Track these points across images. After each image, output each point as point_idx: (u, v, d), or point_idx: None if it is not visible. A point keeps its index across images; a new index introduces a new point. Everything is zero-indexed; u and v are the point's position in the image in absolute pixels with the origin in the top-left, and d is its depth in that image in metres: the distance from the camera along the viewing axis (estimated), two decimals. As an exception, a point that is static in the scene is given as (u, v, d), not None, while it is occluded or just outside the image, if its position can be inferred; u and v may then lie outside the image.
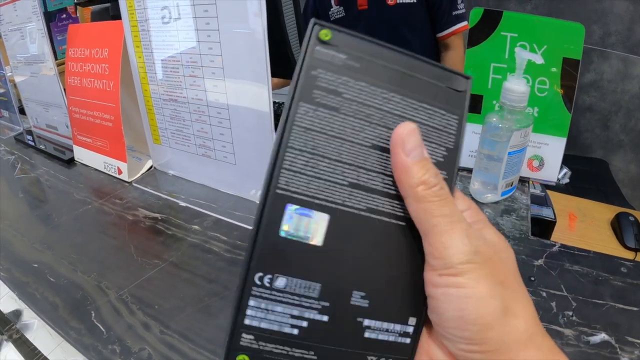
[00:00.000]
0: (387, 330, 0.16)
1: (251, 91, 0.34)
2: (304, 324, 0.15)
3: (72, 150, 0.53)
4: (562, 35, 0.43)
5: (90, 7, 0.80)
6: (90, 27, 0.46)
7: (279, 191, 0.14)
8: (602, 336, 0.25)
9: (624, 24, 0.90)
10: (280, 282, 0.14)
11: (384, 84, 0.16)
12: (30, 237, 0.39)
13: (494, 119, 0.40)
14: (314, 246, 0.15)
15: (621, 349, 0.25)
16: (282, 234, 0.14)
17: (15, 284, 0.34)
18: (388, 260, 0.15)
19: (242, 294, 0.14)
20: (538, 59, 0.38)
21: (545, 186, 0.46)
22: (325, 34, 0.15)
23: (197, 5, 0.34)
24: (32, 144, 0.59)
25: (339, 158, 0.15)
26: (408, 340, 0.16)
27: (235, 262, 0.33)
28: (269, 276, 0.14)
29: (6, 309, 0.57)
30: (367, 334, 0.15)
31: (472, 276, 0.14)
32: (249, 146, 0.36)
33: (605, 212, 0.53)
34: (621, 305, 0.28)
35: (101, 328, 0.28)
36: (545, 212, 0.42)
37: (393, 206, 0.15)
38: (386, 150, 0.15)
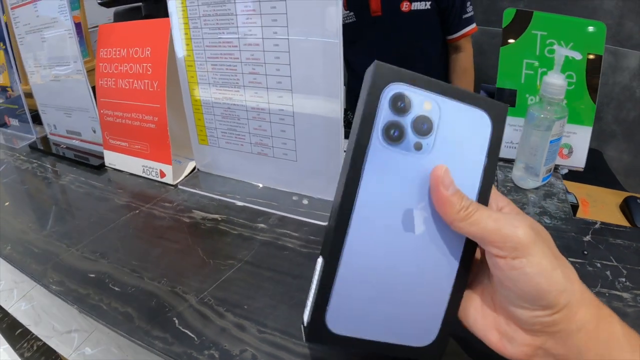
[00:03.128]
0: None
1: (321, 99, 0.33)
2: None
3: (97, 156, 0.51)
4: (586, 33, 0.46)
5: (87, 21, 0.77)
6: (127, 26, 0.45)
7: None
8: None
9: (614, 18, 0.97)
10: None
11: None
12: (77, 246, 0.37)
13: (536, 111, 0.42)
14: None
15: (672, 307, 0.27)
16: None
17: (74, 297, 0.31)
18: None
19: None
20: (577, 55, 0.41)
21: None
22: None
23: (264, 15, 0.33)
24: (52, 151, 0.55)
25: None
26: None
27: (313, 257, 0.32)
28: None
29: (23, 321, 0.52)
30: None
31: (537, 254, 0.17)
32: (313, 143, 0.36)
33: (613, 197, 0.57)
34: (663, 270, 0.30)
35: (190, 334, 0.26)
36: (570, 197, 0.44)
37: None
38: None
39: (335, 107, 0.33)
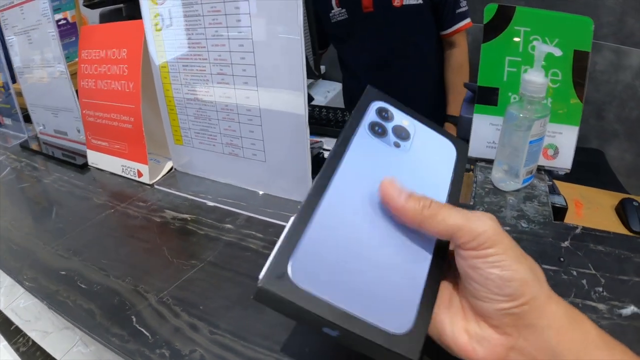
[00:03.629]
0: None
1: (285, 94, 0.34)
2: None
3: (83, 156, 0.52)
4: (572, 29, 0.44)
5: (86, 18, 0.79)
6: (105, 28, 0.46)
7: None
8: (632, 309, 0.27)
9: (616, 15, 0.93)
10: None
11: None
12: (52, 244, 0.38)
13: (515, 110, 0.41)
14: None
15: (652, 320, 0.26)
16: None
17: (45, 294, 0.32)
18: None
19: None
20: (557, 52, 0.40)
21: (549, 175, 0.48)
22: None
23: (228, 15, 0.33)
24: (41, 150, 0.57)
25: None
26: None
27: (274, 258, 0.32)
28: None
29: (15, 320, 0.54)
30: None
31: (503, 245, 0.17)
32: (281, 143, 0.36)
33: (609, 198, 0.55)
34: (646, 281, 0.29)
35: (145, 333, 0.27)
36: (557, 200, 0.43)
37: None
38: None
39: (299, 103, 0.33)
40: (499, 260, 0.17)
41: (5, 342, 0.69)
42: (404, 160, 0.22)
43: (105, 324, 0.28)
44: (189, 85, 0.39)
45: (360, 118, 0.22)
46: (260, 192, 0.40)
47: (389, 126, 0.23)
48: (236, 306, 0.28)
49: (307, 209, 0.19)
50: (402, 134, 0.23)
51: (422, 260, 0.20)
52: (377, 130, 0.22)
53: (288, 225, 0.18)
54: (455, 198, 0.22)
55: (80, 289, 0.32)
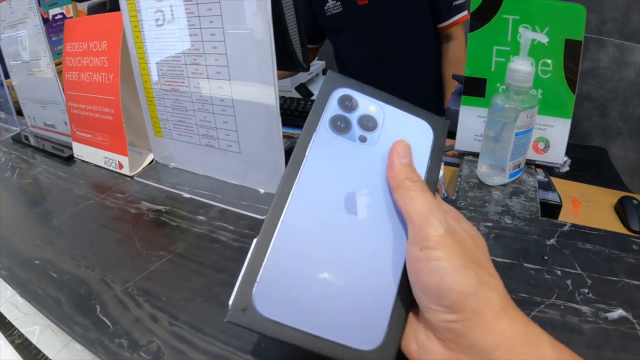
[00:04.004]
0: None
1: (256, 86, 0.33)
2: None
3: (70, 148, 0.52)
4: (564, 17, 0.42)
5: (85, 10, 0.80)
6: (87, 20, 0.46)
7: None
8: (619, 312, 0.25)
9: (620, 11, 0.90)
10: None
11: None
12: (30, 234, 0.38)
13: (500, 100, 0.39)
14: None
15: (639, 324, 0.24)
16: None
17: (17, 282, 0.33)
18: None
19: None
20: (543, 38, 0.38)
21: (548, 173, 0.46)
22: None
23: (200, 4, 0.33)
24: (29, 143, 0.58)
25: None
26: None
27: (243, 250, 0.32)
28: None
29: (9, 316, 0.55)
30: None
31: (448, 251, 0.16)
32: (254, 134, 0.36)
33: (608, 196, 0.53)
34: (636, 282, 0.27)
35: (107, 322, 0.27)
36: (551, 196, 0.41)
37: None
38: None
39: (270, 94, 0.32)
40: (439, 267, 0.16)
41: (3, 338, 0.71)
42: (371, 155, 0.20)
43: (70, 313, 0.28)
44: (166, 76, 0.39)
45: (319, 114, 0.20)
46: (236, 184, 0.40)
47: (353, 117, 0.21)
48: (197, 298, 0.28)
49: (267, 231, 0.18)
50: (368, 124, 0.21)
51: (394, 270, 0.18)
52: (339, 126, 0.20)
53: (251, 248, 0.18)
54: (431, 185, 0.20)
55: (51, 278, 0.32)
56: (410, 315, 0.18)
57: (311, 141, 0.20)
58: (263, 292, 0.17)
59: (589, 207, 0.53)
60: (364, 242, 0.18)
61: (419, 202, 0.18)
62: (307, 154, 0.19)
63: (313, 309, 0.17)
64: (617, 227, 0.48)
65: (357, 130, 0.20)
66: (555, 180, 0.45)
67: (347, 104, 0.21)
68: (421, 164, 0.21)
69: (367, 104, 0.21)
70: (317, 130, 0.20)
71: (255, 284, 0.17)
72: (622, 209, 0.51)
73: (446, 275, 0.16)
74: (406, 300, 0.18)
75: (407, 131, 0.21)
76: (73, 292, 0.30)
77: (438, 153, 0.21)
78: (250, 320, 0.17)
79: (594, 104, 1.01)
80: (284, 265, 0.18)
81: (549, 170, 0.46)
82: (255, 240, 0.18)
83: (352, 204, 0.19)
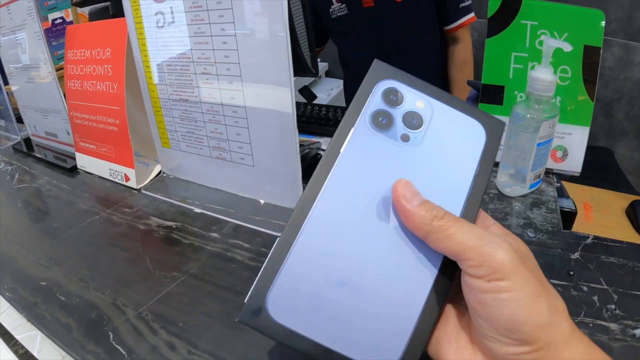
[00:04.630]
0: None
1: (271, 92, 0.31)
2: None
3: (73, 158, 0.51)
4: (582, 22, 0.41)
5: (85, 14, 0.77)
6: (90, 27, 0.44)
7: None
8: None
9: (624, 11, 0.89)
10: None
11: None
12: (35, 252, 0.36)
13: (521, 109, 0.38)
14: None
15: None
16: None
17: (23, 305, 0.31)
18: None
19: None
20: (567, 47, 0.37)
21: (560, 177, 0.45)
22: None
23: (211, 10, 0.31)
24: (31, 152, 0.56)
25: None
26: None
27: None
28: None
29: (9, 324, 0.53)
30: None
31: (519, 279, 0.15)
32: (269, 146, 0.34)
33: (619, 200, 0.52)
34: (661, 297, 0.26)
35: (121, 351, 0.25)
36: (566, 203, 0.40)
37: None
38: None
39: (286, 101, 0.31)
40: (512, 298, 0.14)
41: (4, 344, 0.69)
42: (412, 157, 0.18)
43: (82, 340, 0.27)
44: (174, 85, 0.38)
45: (360, 107, 0.18)
46: (250, 198, 0.39)
47: (398, 113, 0.18)
48: (216, 324, 0.26)
49: (290, 231, 0.17)
50: (413, 122, 0.18)
51: (425, 279, 0.17)
52: (381, 122, 0.18)
53: (272, 248, 0.17)
54: (475, 201, 0.18)
55: (59, 301, 0.31)
56: (462, 340, 0.17)
57: (348, 137, 0.18)
58: (278, 296, 0.16)
59: (600, 211, 0.52)
60: (391, 254, 0.17)
61: (462, 236, 0.16)
62: (341, 151, 0.18)
63: (328, 319, 0.16)
64: (629, 231, 0.47)
65: (400, 128, 0.18)
66: (565, 185, 0.44)
67: (392, 97, 0.19)
68: (468, 171, 0.18)
69: (415, 99, 0.19)
70: (356, 125, 0.18)
71: (271, 286, 0.16)
72: (633, 213, 0.50)
73: (520, 307, 0.14)
74: (431, 318, 0.17)
75: (455, 132, 0.19)
76: (83, 317, 0.29)
77: (489, 159, 0.19)
78: (261, 323, 0.16)
79: (599, 105, 1.00)
80: (304, 269, 0.17)
81: (559, 173, 0.45)
82: (278, 238, 0.17)
83: (385, 210, 0.17)
